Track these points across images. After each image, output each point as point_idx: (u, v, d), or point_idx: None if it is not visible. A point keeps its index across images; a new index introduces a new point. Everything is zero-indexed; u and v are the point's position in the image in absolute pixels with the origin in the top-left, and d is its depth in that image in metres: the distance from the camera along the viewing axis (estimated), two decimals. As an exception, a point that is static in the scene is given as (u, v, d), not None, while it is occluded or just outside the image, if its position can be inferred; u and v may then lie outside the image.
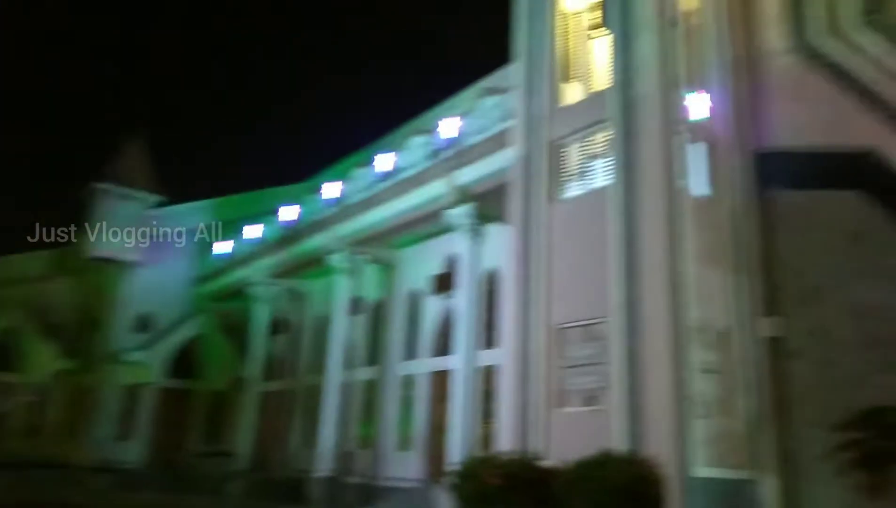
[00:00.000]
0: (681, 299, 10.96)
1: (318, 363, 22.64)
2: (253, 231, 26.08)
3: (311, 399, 22.37)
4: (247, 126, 61.72)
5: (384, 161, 19.83)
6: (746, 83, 13.48)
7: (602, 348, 11.65)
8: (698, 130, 12.53)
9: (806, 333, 12.28)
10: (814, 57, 13.08)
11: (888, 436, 8.71)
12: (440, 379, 18.11)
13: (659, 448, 10.33)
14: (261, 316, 25.96)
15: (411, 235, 19.75)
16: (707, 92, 12.95)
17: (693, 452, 10.51)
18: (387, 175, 19.61)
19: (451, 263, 18.43)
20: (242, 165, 55.93)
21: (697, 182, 12.33)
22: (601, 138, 12.88)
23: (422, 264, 19.98)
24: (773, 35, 13.48)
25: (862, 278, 12.03)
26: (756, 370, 12.05)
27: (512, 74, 15.07)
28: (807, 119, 12.84)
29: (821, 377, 11.21)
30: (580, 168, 13.14)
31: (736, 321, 12.14)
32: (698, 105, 12.67)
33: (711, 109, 12.87)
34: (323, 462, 19.95)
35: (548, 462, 10.73)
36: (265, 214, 25.90)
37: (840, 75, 12.88)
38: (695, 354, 10.83)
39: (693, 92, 12.66)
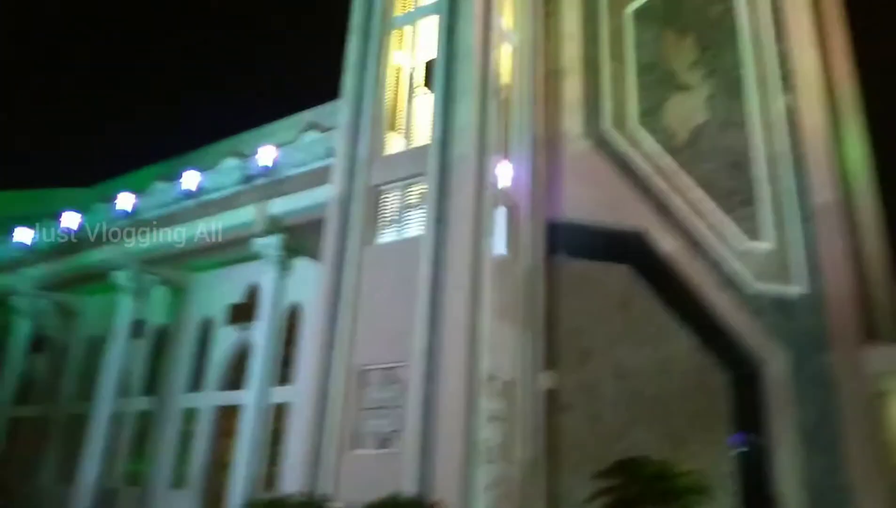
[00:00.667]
0: (477, 349, 11.72)
1: (85, 388, 20.47)
2: (23, 234, 23.10)
3: (74, 429, 20.10)
4: (35, 119, 54.61)
5: (191, 178, 18.87)
6: (545, 159, 15.05)
7: (400, 392, 12.03)
8: (503, 196, 13.71)
9: (577, 388, 13.75)
10: (603, 145, 14.99)
11: (638, 483, 9.98)
12: (227, 414, 17.33)
13: (446, 491, 10.84)
14: (20, 332, 22.93)
15: (212, 259, 18.89)
16: (513, 162, 14.26)
17: (476, 496, 11.17)
18: (192, 193, 18.65)
19: (253, 293, 17.91)
20: (24, 160, 49.24)
21: (499, 243, 13.44)
22: (418, 190, 13.51)
23: (219, 291, 19.13)
24: (572, 120, 15.26)
25: (627, 342, 13.81)
26: (533, 421, 13.20)
27: (339, 113, 15.30)
28: (592, 198, 14.60)
29: (588, 430, 12.54)
30: (396, 216, 13.63)
31: (521, 374, 13.26)
32: (506, 172, 13.90)
33: (515, 179, 14.17)
34: (80, 501, 17.93)
35: (337, 505, 10.76)
36: (42, 216, 23.10)
37: (623, 164, 14.89)
38: (484, 402, 11.60)
39: (503, 160, 13.87)
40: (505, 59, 14.87)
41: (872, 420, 13.22)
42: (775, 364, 13.50)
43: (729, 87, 15.25)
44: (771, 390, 13.43)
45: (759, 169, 14.70)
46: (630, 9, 15.84)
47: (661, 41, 15.58)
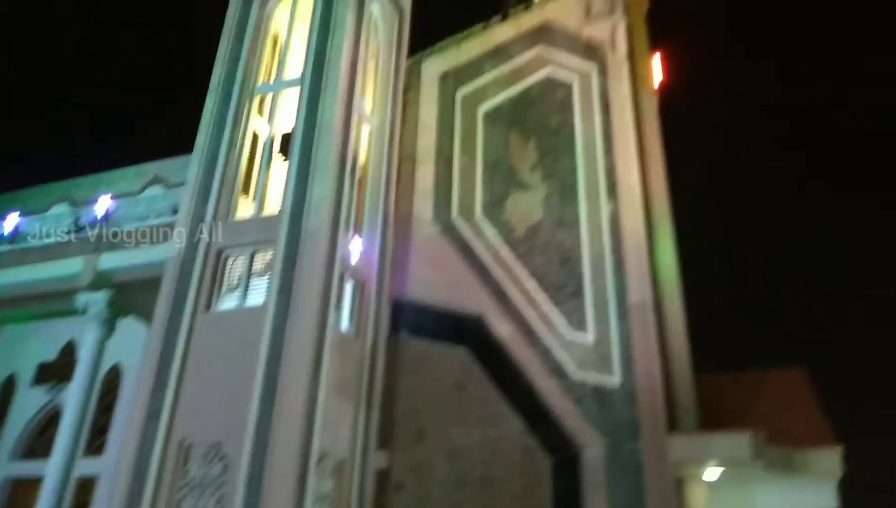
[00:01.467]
0: (312, 427, 11.53)
1: None
2: None
3: None
4: None
5: (10, 221, 17.23)
6: (395, 240, 15.51)
7: (226, 468, 11.46)
8: (352, 271, 13.90)
9: (409, 468, 13.85)
10: (450, 231, 15.76)
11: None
12: (22, 488, 15.44)
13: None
14: None
15: (26, 311, 17.14)
16: (364, 239, 14.57)
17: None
18: (11, 237, 16.99)
19: (69, 351, 16.42)
20: None
21: (344, 318, 13.51)
22: (265, 258, 13.34)
23: (29, 347, 17.33)
24: (422, 206, 15.94)
25: (460, 423, 14.23)
26: (363, 501, 13.05)
27: (188, 169, 14.87)
28: (437, 280, 15.19)
29: (417, 511, 12.60)
30: (239, 283, 13.31)
31: (354, 453, 13.15)
32: (356, 249, 14.14)
33: (364, 256, 14.45)
34: None
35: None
36: None
37: (467, 251, 15.70)
38: (314, 482, 11.35)
39: (354, 236, 14.13)
40: (363, 140, 15.37)
41: (673, 503, 14.52)
42: (592, 450, 14.51)
43: (564, 190, 16.81)
44: (588, 473, 14.37)
45: (586, 266, 16.16)
46: (482, 109, 17.13)
47: (508, 142, 16.95)
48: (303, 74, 14.61)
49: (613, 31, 18.57)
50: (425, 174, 16.14)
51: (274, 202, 14.51)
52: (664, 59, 19.71)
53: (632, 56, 18.77)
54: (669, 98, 19.93)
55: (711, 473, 15.22)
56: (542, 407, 14.59)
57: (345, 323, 13.55)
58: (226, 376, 12.10)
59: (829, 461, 15.89)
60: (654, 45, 19.85)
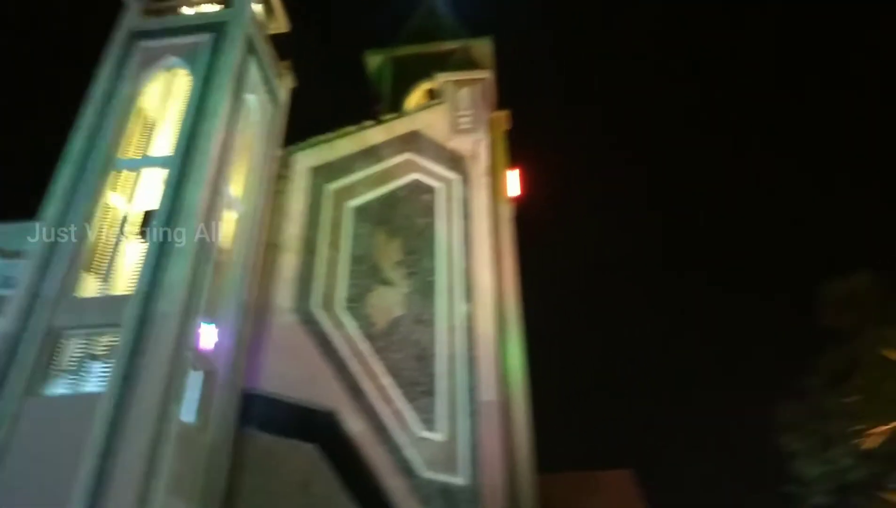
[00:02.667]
0: (143, 528, 10.73)
1: None
2: None
3: None
4: None
5: None
6: (252, 328, 15.21)
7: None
8: (202, 360, 13.39)
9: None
10: (309, 322, 15.74)
11: None
12: None
13: None
14: None
15: None
16: (218, 327, 14.16)
17: None
18: None
19: None
20: None
21: (188, 409, 12.88)
22: (107, 342, 12.58)
23: None
24: (283, 295, 15.86)
25: (303, 524, 13.75)
26: None
27: (29, 238, 13.85)
28: (291, 373, 14.97)
29: None
30: (75, 366, 12.38)
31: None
32: (208, 336, 13.69)
33: (217, 344, 14.00)
34: None
35: None
36: None
37: (325, 343, 15.70)
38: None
39: (208, 323, 13.69)
40: (228, 225, 15.21)
41: None
42: (436, 550, 14.52)
43: (424, 288, 17.45)
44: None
45: (441, 365, 16.66)
46: (350, 204, 17.63)
47: (374, 238, 17.48)
48: (169, 156, 14.39)
49: (476, 146, 20.05)
50: (288, 263, 16.17)
51: (122, 283, 13.84)
52: (522, 174, 21.42)
53: (492, 169, 20.28)
54: (525, 210, 21.57)
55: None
56: (389, 507, 14.51)
57: (189, 414, 12.92)
58: (50, 468, 11.04)
59: (653, 560, 16.96)
60: (514, 161, 21.60)
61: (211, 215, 14.04)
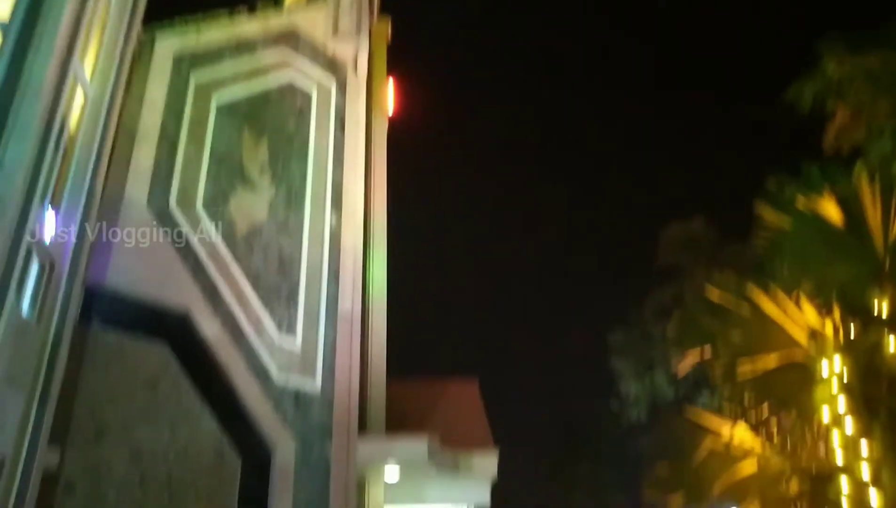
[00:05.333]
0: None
1: None
2: None
3: None
4: None
5: None
6: (101, 218, 14.24)
7: None
8: (42, 251, 12.42)
9: (84, 469, 12.82)
10: (164, 219, 14.99)
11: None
12: None
13: None
14: None
15: None
16: (62, 216, 13.11)
17: None
18: None
19: None
20: None
21: (27, 301, 12.00)
22: (-73, 223, 11.29)
23: None
24: (137, 188, 14.91)
25: (148, 423, 13.57)
26: (23, 503, 11.75)
27: None
28: (142, 270, 14.31)
29: (89, 515, 11.74)
30: None
31: (20, 450, 11.77)
32: (50, 226, 12.66)
33: (60, 234, 13.01)
34: None
35: None
36: None
37: (180, 242, 15.07)
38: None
39: (50, 212, 12.63)
40: (76, 108, 13.86)
41: (353, 504, 15.61)
42: (284, 452, 14.93)
43: (290, 196, 17.06)
44: (277, 474, 14.75)
45: (303, 274, 16.60)
46: (217, 98, 16.58)
47: (240, 138, 16.65)
48: (11, 19, 12.70)
49: (356, 53, 19.37)
50: (144, 155, 15.09)
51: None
52: (399, 88, 21.12)
53: (370, 79, 19.80)
54: (400, 125, 21.42)
55: (391, 472, 16.68)
56: (240, 409, 14.60)
57: (25, 307, 12.06)
58: None
59: (487, 463, 18.50)
60: (392, 73, 21.20)
61: (59, 93, 12.70)
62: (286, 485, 14.72)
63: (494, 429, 19.80)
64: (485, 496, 19.83)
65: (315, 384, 15.93)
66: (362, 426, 16.78)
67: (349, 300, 17.21)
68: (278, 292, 16.10)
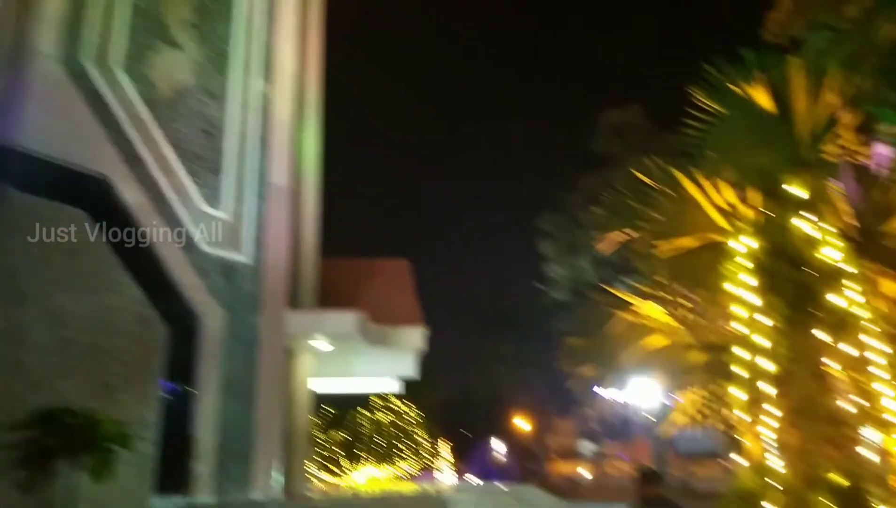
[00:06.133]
0: None
1: None
2: None
3: None
4: None
5: None
6: (6, 74, 13.12)
7: None
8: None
9: (1, 334, 12.49)
10: (79, 77, 13.92)
11: (59, 434, 9.87)
12: None
13: None
14: None
15: None
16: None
17: None
18: None
19: None
20: None
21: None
22: None
23: None
24: (46, 39, 13.67)
25: (69, 290, 13.18)
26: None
27: None
28: (58, 131, 13.44)
29: (9, 380, 11.55)
30: None
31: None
32: (-53, 76, 11.59)
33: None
34: None
35: None
36: None
37: (97, 103, 14.13)
38: None
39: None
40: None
41: (282, 374, 15.95)
42: (212, 321, 14.93)
43: (216, 58, 16.04)
44: (204, 344, 14.81)
45: (230, 143, 15.95)
46: (136, -57, 15.03)
47: (161, -11, 15.29)
48: None
49: None
50: (53, 3, 13.74)
51: None
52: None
53: (305, -66, 18.34)
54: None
55: (321, 345, 17.03)
56: (165, 278, 14.35)
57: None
58: None
59: (414, 338, 19.12)
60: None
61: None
62: (214, 355, 14.84)
63: (424, 309, 20.27)
64: (411, 369, 20.64)
65: (244, 255, 15.74)
66: (293, 299, 16.89)
67: (279, 173, 16.77)
68: (204, 160, 15.48)
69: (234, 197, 15.80)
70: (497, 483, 20.14)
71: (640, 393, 18.03)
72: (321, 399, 21.27)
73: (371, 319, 17.45)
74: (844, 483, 2.93)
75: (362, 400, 22.45)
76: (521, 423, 40.84)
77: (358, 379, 21.91)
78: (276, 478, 15.18)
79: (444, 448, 23.68)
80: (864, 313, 3.46)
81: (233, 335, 15.13)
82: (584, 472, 36.34)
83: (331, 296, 17.91)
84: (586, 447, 44.60)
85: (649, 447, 26.39)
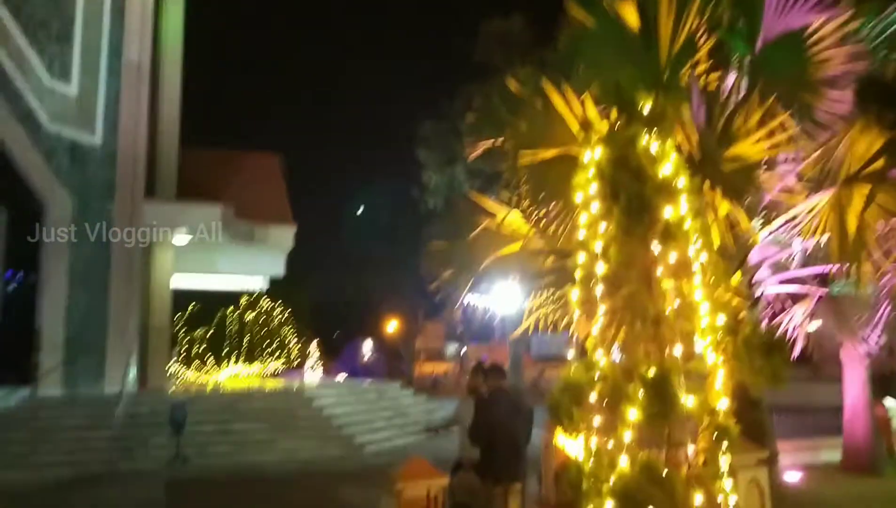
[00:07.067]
0: None
1: None
2: None
3: None
4: None
5: None
6: None
7: None
8: None
9: None
10: None
11: None
12: None
13: None
14: None
15: None
16: None
17: None
18: None
19: None
20: None
21: None
22: None
23: None
24: None
25: None
26: None
27: None
28: None
29: None
30: None
31: None
32: None
33: None
34: None
35: None
36: None
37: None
38: None
39: None
40: None
41: (138, 267, 15.15)
42: (58, 208, 13.83)
43: None
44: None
45: (79, 9, 14.30)
46: None
47: None
48: None
49: None
50: None
51: None
52: None
53: None
54: None
55: (181, 238, 16.21)
56: (4, 157, 13.02)
57: None
58: None
59: (283, 236, 18.74)
60: None
61: None
62: (61, 243, 13.82)
63: (295, 208, 19.72)
64: (279, 268, 20.30)
65: (95, 137, 14.49)
66: (150, 188, 15.89)
67: (136, 48, 15.32)
68: (48, 28, 13.83)
69: (84, 72, 14.33)
70: (361, 381, 20.74)
71: (501, 298, 18.90)
72: (185, 296, 20.51)
73: (237, 214, 16.82)
74: (652, 374, 3.29)
75: (231, 298, 21.91)
76: (392, 325, 41.84)
77: (224, 277, 21.24)
78: (132, 373, 14.70)
79: (313, 348, 23.87)
80: (692, 226, 3.77)
81: (83, 223, 14.10)
82: (448, 372, 38.24)
83: (194, 187, 16.95)
84: (452, 349, 46.70)
85: (507, 350, 28.02)
